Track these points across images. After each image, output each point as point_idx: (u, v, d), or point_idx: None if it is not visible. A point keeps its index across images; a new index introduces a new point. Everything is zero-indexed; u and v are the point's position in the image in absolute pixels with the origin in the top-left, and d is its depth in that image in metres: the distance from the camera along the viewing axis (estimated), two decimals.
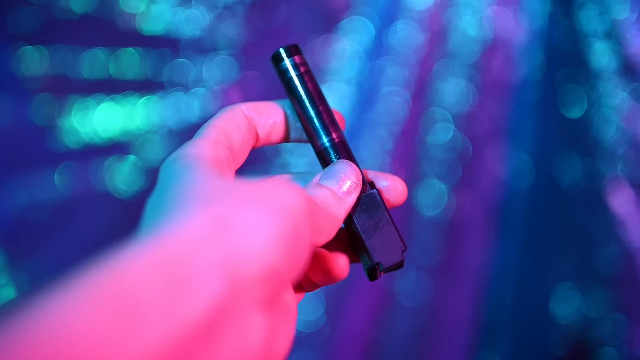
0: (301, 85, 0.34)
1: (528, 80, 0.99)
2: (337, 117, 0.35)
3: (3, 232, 0.86)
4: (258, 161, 0.95)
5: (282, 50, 0.35)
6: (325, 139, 0.34)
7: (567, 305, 0.92)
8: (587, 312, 0.91)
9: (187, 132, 0.92)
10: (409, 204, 0.96)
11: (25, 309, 0.18)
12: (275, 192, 0.25)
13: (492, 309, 0.94)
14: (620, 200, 0.92)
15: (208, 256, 0.21)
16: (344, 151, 0.34)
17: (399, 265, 0.34)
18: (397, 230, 0.33)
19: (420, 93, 0.99)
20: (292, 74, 0.35)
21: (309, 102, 0.34)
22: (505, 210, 0.97)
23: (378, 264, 0.33)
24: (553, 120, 0.97)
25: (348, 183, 0.31)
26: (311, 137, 0.34)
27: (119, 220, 0.90)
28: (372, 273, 0.34)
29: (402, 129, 0.98)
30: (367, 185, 0.34)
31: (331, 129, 0.34)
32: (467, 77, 0.99)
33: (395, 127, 0.98)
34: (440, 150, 0.98)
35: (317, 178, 0.31)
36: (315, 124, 0.34)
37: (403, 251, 0.33)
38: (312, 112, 0.34)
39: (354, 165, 0.32)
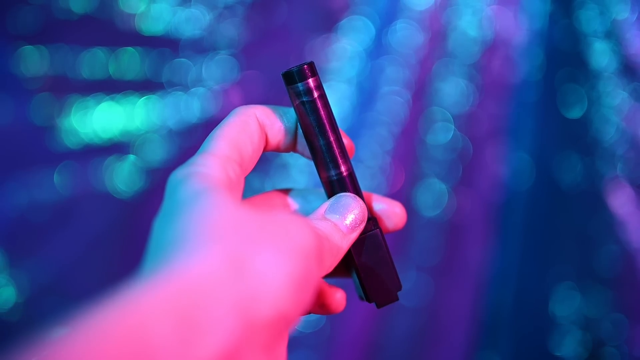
0: (314, 113, 0.32)
1: (528, 80, 0.99)
2: (346, 142, 0.33)
3: (3, 232, 0.86)
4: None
5: (296, 71, 0.31)
6: (333, 172, 0.32)
7: (567, 305, 0.92)
8: (587, 312, 0.91)
9: (187, 132, 0.92)
10: (409, 205, 0.96)
11: (35, 346, 0.18)
12: (289, 231, 0.25)
13: (493, 309, 0.94)
14: (620, 201, 0.92)
15: (223, 299, 0.21)
16: (352, 185, 0.33)
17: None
18: (395, 272, 0.34)
19: (421, 93, 0.99)
20: (306, 99, 0.31)
21: (321, 132, 0.32)
22: (505, 211, 0.97)
23: (374, 302, 0.34)
24: (553, 121, 0.97)
25: (353, 218, 0.31)
26: (319, 166, 0.33)
27: (118, 221, 0.90)
28: (365, 300, 0.35)
29: (403, 129, 0.98)
30: (371, 221, 0.33)
31: (341, 161, 0.32)
32: (468, 77, 0.99)
33: (396, 127, 0.98)
34: (441, 151, 0.98)
35: (322, 209, 0.31)
36: (325, 155, 0.32)
37: (398, 290, 0.34)
38: (322, 142, 0.32)
39: (360, 201, 0.32)
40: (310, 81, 0.31)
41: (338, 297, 0.32)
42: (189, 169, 0.27)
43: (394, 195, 0.95)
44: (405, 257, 0.94)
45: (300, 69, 0.31)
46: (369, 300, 0.34)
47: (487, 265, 0.95)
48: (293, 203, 0.35)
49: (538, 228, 0.95)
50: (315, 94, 0.31)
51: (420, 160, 0.98)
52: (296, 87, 0.31)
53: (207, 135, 0.30)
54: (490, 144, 0.98)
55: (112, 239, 0.89)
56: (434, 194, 0.97)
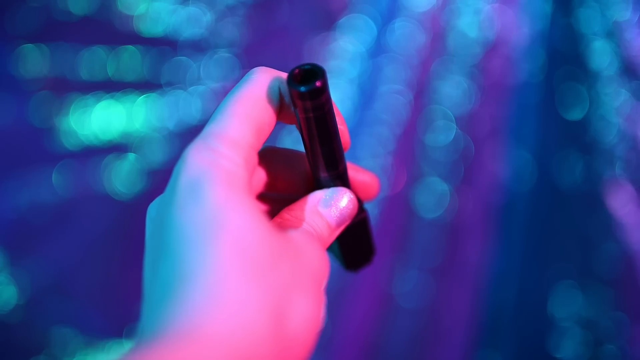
0: (320, 126, 0.28)
1: (530, 81, 0.99)
2: (341, 129, 0.31)
3: (3, 232, 0.86)
4: None
5: (309, 91, 0.26)
6: (329, 173, 0.31)
7: (568, 305, 0.91)
8: (588, 312, 0.91)
9: (187, 132, 0.92)
10: (410, 206, 0.95)
11: None
12: (311, 265, 0.26)
13: (494, 309, 0.93)
14: (621, 201, 0.92)
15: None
16: (344, 180, 0.32)
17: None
18: (372, 243, 0.36)
19: (423, 93, 0.99)
20: (314, 114, 0.28)
21: (323, 141, 0.29)
22: (506, 212, 0.97)
23: (351, 270, 0.37)
24: (555, 122, 0.97)
25: (342, 215, 0.31)
26: (314, 167, 0.32)
27: (118, 222, 0.90)
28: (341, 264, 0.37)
29: (405, 129, 0.98)
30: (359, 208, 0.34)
31: (339, 163, 0.31)
32: (470, 78, 0.99)
33: (398, 127, 0.97)
34: (443, 151, 0.97)
35: (316, 201, 0.31)
36: (323, 159, 0.31)
37: (373, 255, 0.37)
38: (323, 150, 0.30)
39: (352, 196, 0.32)
40: (322, 98, 0.27)
41: None
42: (211, 157, 0.25)
43: (395, 196, 0.95)
44: (406, 258, 0.94)
45: (312, 88, 0.26)
46: (346, 268, 0.36)
47: (488, 265, 0.95)
48: (276, 168, 0.34)
49: (539, 228, 0.95)
50: (325, 109, 0.28)
51: (422, 160, 0.97)
52: (305, 104, 0.27)
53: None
54: (492, 145, 0.98)
55: (111, 240, 0.89)
56: (436, 195, 0.96)
